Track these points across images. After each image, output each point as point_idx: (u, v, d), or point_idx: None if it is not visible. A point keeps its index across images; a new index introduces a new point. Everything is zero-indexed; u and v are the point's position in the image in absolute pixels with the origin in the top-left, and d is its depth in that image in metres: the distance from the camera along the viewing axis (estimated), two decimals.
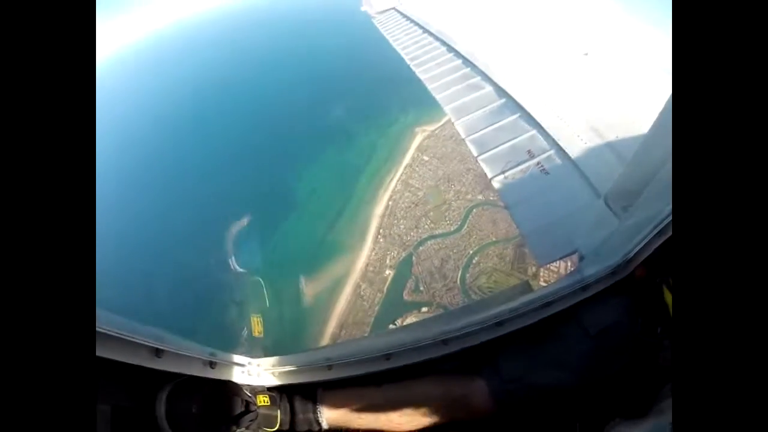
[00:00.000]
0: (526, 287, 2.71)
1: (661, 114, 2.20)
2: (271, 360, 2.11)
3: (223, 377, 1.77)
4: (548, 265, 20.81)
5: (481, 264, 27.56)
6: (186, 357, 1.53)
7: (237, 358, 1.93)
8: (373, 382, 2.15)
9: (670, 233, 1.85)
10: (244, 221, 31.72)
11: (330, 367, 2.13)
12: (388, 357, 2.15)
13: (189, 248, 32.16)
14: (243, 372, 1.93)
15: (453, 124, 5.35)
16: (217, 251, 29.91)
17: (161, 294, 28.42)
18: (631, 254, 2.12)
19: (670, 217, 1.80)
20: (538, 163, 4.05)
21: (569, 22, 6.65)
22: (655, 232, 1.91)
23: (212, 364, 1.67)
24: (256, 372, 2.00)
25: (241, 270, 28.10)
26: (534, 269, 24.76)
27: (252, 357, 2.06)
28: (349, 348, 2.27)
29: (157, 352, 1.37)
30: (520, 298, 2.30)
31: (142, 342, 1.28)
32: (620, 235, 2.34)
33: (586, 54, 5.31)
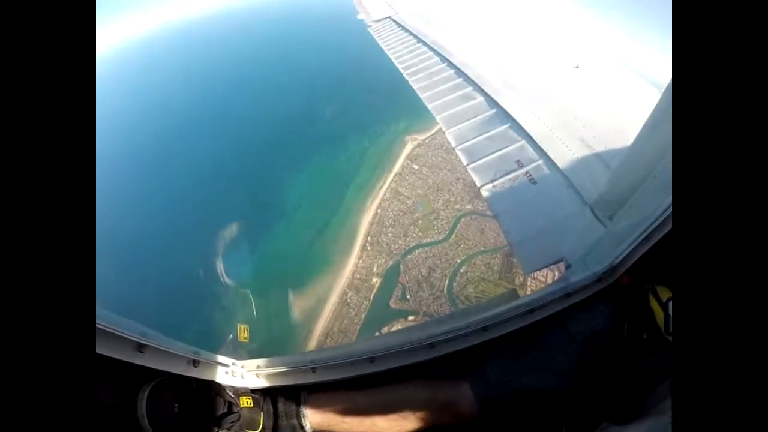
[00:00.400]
0: (514, 295, 2.73)
1: (646, 124, 2.26)
2: (255, 362, 2.08)
3: (207, 377, 1.73)
4: (535, 275, 21.02)
5: (469, 273, 27.69)
6: (169, 354, 1.49)
7: (221, 358, 1.88)
8: (359, 386, 2.13)
9: (655, 240, 1.89)
10: (233, 229, 31.34)
11: (314, 370, 2.10)
12: (372, 360, 2.13)
13: (177, 256, 31.63)
14: (227, 373, 1.89)
15: (444, 133, 5.41)
16: (205, 259, 29.42)
17: (147, 303, 27.65)
18: (617, 261, 2.16)
19: (656, 224, 1.85)
20: (526, 173, 4.11)
21: (561, 35, 6.81)
22: (641, 239, 1.95)
23: (195, 363, 1.63)
24: (239, 373, 1.95)
25: (229, 280, 27.70)
26: (521, 279, 24.96)
27: (236, 358, 2.03)
28: (333, 351, 2.25)
29: (140, 347, 1.32)
30: (505, 305, 2.32)
31: (124, 335, 1.24)
32: (606, 242, 2.38)
33: (577, 67, 5.43)
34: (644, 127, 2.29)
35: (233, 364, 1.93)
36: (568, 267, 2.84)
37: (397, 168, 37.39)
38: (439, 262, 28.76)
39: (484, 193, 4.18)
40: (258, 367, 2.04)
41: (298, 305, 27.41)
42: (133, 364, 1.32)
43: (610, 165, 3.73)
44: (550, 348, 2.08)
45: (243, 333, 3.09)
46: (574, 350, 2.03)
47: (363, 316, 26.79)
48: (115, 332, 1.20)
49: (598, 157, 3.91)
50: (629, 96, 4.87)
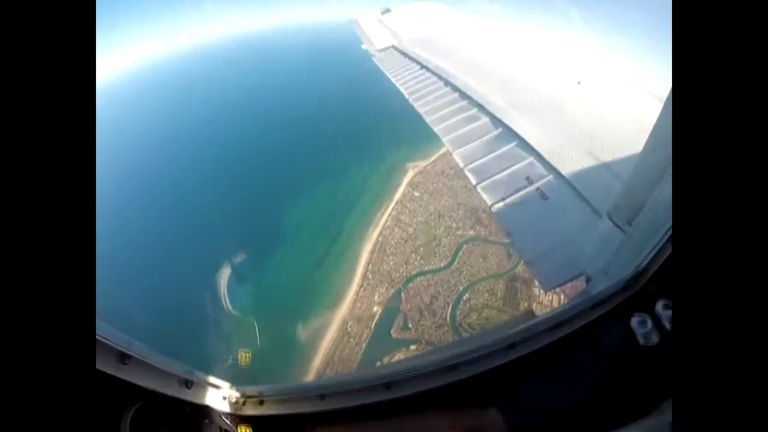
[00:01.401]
0: (530, 316, 2.57)
1: (655, 128, 2.17)
2: (257, 388, 1.87)
3: (201, 401, 1.53)
4: (542, 300, 20.67)
5: (472, 301, 27.11)
6: (158, 371, 1.30)
7: (218, 381, 1.69)
8: (373, 416, 1.91)
9: None
10: (233, 257, 30.92)
11: (322, 397, 1.89)
12: (388, 386, 1.93)
13: (173, 282, 31.03)
14: (224, 398, 1.69)
15: (446, 158, 5.44)
16: (202, 287, 28.80)
17: (146, 334, 26.63)
18: (642, 266, 2.02)
19: None
20: (537, 189, 4.01)
21: (561, 54, 6.90)
22: (665, 239, 1.82)
23: (189, 384, 1.44)
24: (238, 399, 1.75)
25: (232, 309, 27.08)
26: (526, 305, 24.42)
27: (235, 383, 1.82)
28: (345, 377, 2.05)
29: (123, 358, 1.14)
30: (526, 323, 2.15)
31: (105, 341, 1.06)
32: (628, 248, 2.25)
33: (579, 83, 5.46)
34: (655, 126, 2.20)
35: (231, 387, 1.73)
36: (588, 280, 2.68)
37: (398, 195, 37.42)
38: (441, 289, 28.22)
39: (495, 211, 4.07)
40: (260, 393, 1.84)
41: (297, 335, 26.71)
42: (119, 378, 1.14)
43: (620, 175, 3.64)
44: (582, 363, 1.91)
45: (244, 358, 2.88)
46: (606, 364, 1.86)
47: (364, 346, 26.01)
48: (98, 338, 1.02)
49: (607, 167, 3.84)
50: (632, 106, 4.90)
